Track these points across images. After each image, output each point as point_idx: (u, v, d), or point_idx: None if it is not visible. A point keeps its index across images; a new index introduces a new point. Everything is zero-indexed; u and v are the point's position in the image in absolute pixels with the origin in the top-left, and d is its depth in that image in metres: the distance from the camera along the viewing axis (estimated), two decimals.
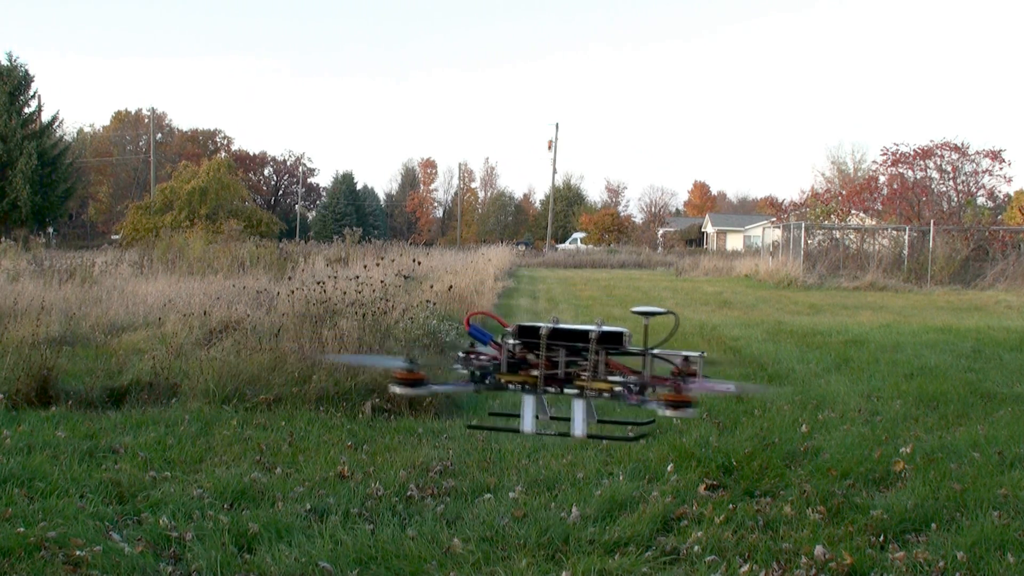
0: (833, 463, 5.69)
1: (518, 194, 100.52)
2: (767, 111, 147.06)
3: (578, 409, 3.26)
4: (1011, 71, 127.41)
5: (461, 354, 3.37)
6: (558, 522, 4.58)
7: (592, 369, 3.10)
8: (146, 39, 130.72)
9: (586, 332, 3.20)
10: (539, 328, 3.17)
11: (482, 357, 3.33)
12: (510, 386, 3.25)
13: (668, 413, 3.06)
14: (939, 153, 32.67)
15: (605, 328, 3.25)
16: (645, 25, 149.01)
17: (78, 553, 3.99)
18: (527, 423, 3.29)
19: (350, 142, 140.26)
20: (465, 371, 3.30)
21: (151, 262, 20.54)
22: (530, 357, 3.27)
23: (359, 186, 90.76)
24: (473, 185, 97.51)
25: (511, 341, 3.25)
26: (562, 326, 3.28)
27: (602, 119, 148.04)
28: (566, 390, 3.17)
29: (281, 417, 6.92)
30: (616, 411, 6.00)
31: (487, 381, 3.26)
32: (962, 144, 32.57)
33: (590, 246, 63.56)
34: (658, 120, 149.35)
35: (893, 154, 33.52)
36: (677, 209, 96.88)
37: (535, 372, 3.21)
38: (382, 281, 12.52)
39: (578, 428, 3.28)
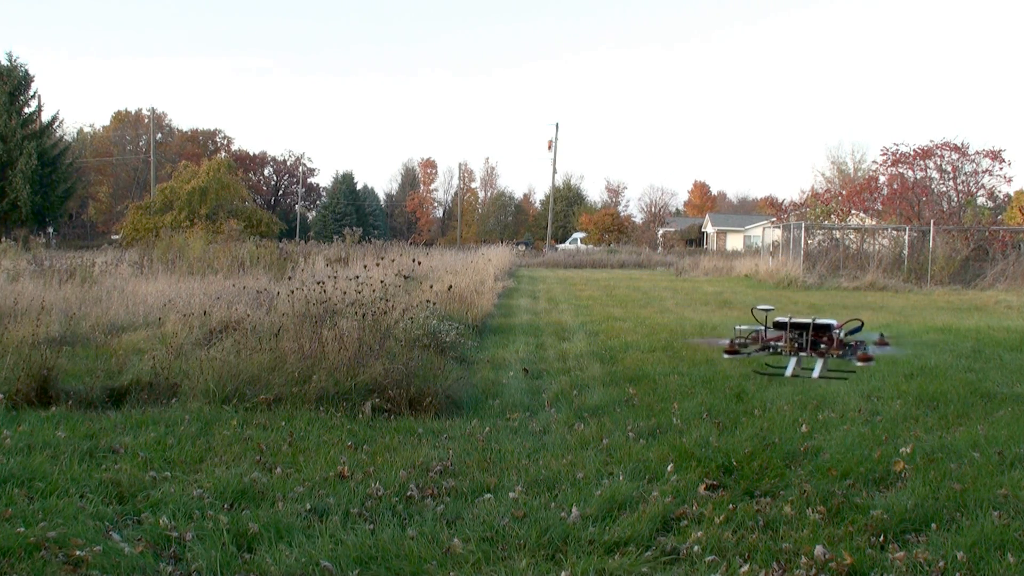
0: (833, 463, 5.69)
1: (518, 194, 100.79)
2: (767, 111, 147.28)
3: (818, 363, 7.13)
4: (1011, 71, 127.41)
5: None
6: (558, 522, 4.58)
7: (817, 343, 7.20)
8: (146, 39, 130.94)
9: (808, 323, 7.13)
10: (785, 321, 7.28)
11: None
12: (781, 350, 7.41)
13: (859, 364, 7.22)
14: (939, 153, 32.68)
15: (819, 320, 7.19)
16: (645, 25, 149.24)
17: (78, 553, 3.98)
18: (789, 369, 7.27)
19: (350, 142, 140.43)
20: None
21: (151, 262, 20.54)
22: (778, 334, 7.35)
23: (359, 186, 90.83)
24: (473, 185, 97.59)
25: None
26: (794, 320, 7.21)
27: (602, 119, 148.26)
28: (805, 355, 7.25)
29: (281, 417, 6.92)
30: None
31: (769, 350, 7.50)
32: (962, 144, 32.60)
33: (590, 246, 63.55)
34: (658, 120, 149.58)
35: (893, 154, 33.55)
36: (677, 209, 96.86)
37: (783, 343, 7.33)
38: (382, 281, 12.51)
39: (817, 372, 7.12)
